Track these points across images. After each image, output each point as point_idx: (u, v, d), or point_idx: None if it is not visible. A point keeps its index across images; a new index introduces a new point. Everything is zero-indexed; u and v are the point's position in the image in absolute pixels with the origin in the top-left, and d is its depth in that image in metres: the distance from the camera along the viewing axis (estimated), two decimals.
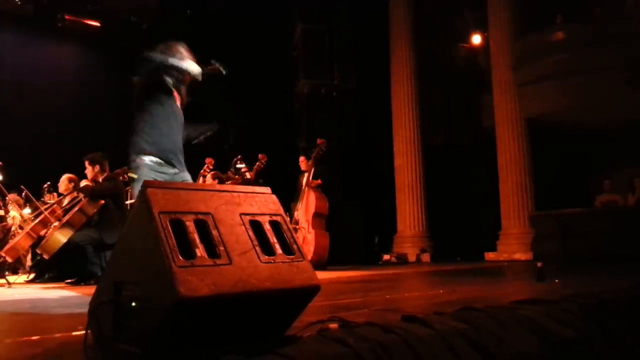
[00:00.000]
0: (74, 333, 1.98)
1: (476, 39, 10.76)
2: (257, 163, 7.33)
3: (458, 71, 10.81)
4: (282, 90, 10.56)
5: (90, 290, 4.32)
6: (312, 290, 1.55)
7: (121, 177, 5.93)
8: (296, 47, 10.39)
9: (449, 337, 1.71)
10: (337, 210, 7.25)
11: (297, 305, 1.58)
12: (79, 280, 5.31)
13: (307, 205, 6.83)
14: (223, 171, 7.38)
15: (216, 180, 6.87)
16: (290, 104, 10.63)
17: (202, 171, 7.14)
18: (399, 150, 10.26)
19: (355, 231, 9.41)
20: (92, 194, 5.46)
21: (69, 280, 5.41)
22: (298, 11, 10.26)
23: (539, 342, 1.92)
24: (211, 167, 7.22)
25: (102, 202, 5.52)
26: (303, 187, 6.97)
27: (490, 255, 9.25)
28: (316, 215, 6.75)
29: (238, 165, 7.48)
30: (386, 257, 9.70)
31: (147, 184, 1.42)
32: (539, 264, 3.83)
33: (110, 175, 5.69)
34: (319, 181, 6.97)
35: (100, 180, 5.59)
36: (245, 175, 7.25)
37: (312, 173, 6.98)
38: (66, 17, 10.67)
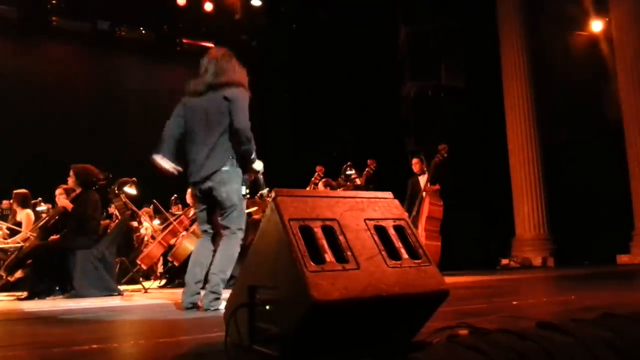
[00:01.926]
0: (210, 335, 2.12)
1: (596, 26, 9.98)
2: (367, 169, 7.35)
3: (576, 62, 10.08)
4: (387, 94, 10.54)
5: None
6: (441, 295, 1.52)
7: None
8: (401, 50, 10.30)
9: (592, 346, 1.58)
10: (450, 213, 7.06)
11: (425, 310, 1.55)
12: (205, 285, 5.65)
13: (422, 209, 6.73)
14: (333, 178, 7.49)
15: (328, 188, 6.98)
16: (396, 107, 10.56)
17: (313, 179, 7.31)
18: (513, 149, 9.77)
19: (469, 235, 9.10)
20: None
21: None
22: (401, 14, 10.18)
23: None
24: (321, 175, 7.36)
25: None
26: (420, 192, 6.87)
27: (623, 258, 8.48)
28: (429, 219, 6.63)
29: (348, 172, 7.55)
30: (505, 261, 9.26)
31: (277, 193, 1.48)
32: None
33: None
34: (438, 186, 6.83)
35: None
36: (356, 182, 7.30)
37: (430, 178, 6.85)
38: (184, 40, 11.54)
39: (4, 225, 6.57)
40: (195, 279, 3.46)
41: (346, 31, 10.31)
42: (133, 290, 5.94)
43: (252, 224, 6.45)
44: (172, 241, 6.37)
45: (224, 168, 3.38)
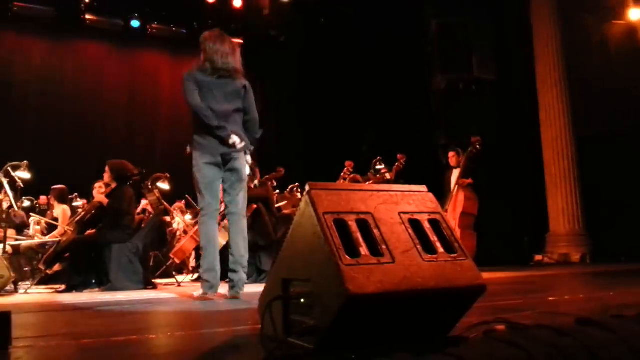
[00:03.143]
0: (244, 327, 2.14)
1: (634, 14, 9.66)
2: (397, 163, 7.31)
3: (613, 51, 9.78)
4: (417, 87, 10.44)
5: (250, 287, 4.65)
6: (477, 290, 1.50)
7: (270, 183, 6.30)
8: (431, 43, 10.18)
9: (634, 343, 1.54)
10: (481, 207, 6.96)
11: (462, 305, 1.54)
12: None
13: (456, 204, 6.63)
14: (363, 173, 7.47)
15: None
16: (427, 101, 10.46)
17: (342, 174, 7.31)
18: (547, 142, 9.55)
19: (501, 230, 8.95)
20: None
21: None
22: (431, 6, 10.05)
23: None
24: (351, 170, 7.36)
25: (255, 206, 5.89)
26: (453, 186, 6.77)
27: None
28: (464, 214, 6.52)
29: (378, 167, 7.52)
30: (538, 257, 9.09)
31: (311, 186, 1.48)
32: None
33: (261, 181, 6.06)
34: (470, 180, 6.72)
35: (252, 186, 5.98)
36: (385, 176, 7.26)
37: (462, 171, 6.74)
38: None
39: (42, 220, 6.76)
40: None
41: (375, 24, 10.25)
42: (167, 284, 6.05)
43: (282, 219, 6.50)
44: None
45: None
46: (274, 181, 6.71)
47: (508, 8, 9.89)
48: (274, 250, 5.82)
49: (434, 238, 1.53)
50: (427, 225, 1.55)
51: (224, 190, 3.70)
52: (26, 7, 10.30)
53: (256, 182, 5.61)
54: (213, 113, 3.53)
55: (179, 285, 5.75)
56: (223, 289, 3.78)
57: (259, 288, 4.51)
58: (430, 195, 1.66)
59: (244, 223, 3.73)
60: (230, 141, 3.51)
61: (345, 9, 10.66)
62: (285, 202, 7.49)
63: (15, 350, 1.70)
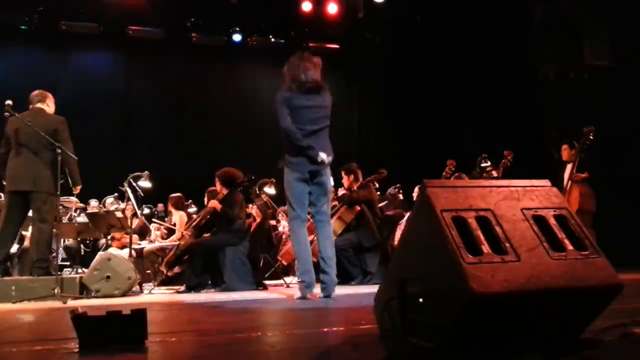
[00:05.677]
0: (359, 327, 2.15)
1: None
2: (503, 160, 7.00)
3: None
4: (523, 79, 9.91)
5: (356, 289, 4.70)
6: (613, 290, 1.40)
7: (372, 184, 6.31)
8: (538, 30, 9.63)
9: None
10: (601, 204, 6.45)
11: (595, 306, 1.44)
12: (342, 281, 5.77)
13: (570, 201, 6.21)
14: (467, 172, 7.23)
15: None
16: (533, 92, 9.89)
17: (444, 173, 7.12)
18: None
19: (623, 227, 8.23)
20: (349, 201, 5.90)
21: None
22: None
23: None
24: (452, 169, 7.15)
25: (358, 208, 5.92)
26: (566, 182, 6.35)
27: None
28: (579, 212, 6.07)
29: (483, 164, 7.25)
30: None
31: (427, 184, 1.46)
32: None
33: (363, 183, 6.08)
34: (585, 174, 6.26)
35: (355, 188, 6.01)
36: (492, 174, 6.98)
37: (576, 165, 6.29)
38: (310, 44, 11.87)
39: (162, 225, 7.28)
40: None
41: (474, 16, 9.90)
42: (276, 285, 6.26)
43: (385, 220, 6.47)
44: (310, 238, 6.58)
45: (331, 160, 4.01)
46: (376, 182, 6.70)
47: None
48: (379, 251, 5.81)
49: (561, 235, 1.45)
50: (552, 222, 1.47)
51: (310, 202, 4.06)
52: (139, 30, 11.15)
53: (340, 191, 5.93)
54: (302, 131, 3.86)
55: (288, 286, 5.92)
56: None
57: (364, 289, 4.55)
58: (555, 189, 1.57)
59: (329, 229, 4.16)
60: (319, 159, 3.87)
61: (441, 5, 10.39)
62: (386, 202, 7.44)
63: (151, 345, 1.85)
